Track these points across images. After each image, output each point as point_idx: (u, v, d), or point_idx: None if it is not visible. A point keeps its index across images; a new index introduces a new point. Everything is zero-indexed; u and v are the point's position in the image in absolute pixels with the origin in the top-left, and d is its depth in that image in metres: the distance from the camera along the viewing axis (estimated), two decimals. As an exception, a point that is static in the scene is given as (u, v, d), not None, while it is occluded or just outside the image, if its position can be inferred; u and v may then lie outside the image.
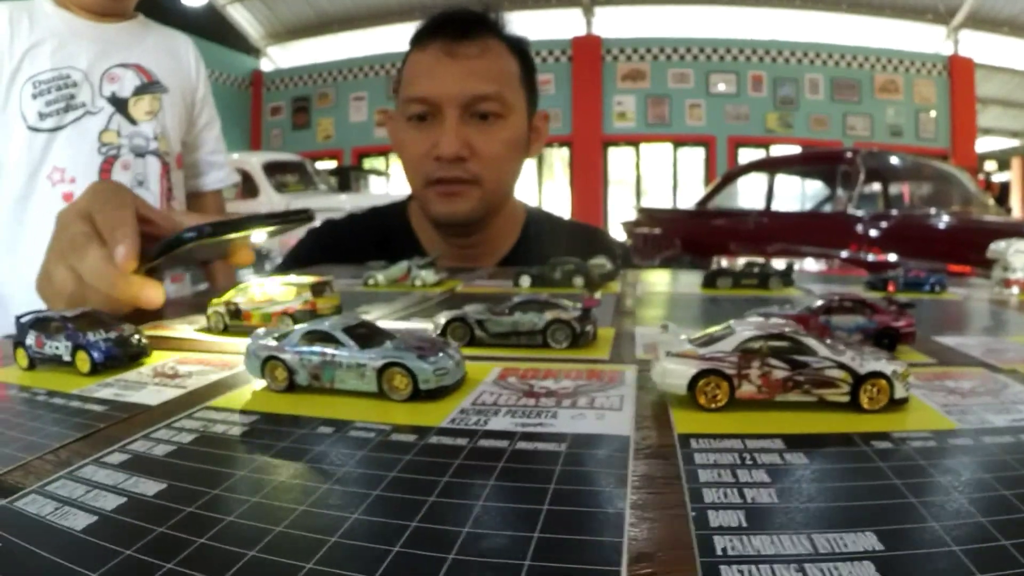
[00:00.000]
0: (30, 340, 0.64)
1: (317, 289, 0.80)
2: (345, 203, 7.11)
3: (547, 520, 0.33)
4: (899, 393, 0.48)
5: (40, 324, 0.65)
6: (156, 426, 0.47)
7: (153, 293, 0.81)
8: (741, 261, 1.38)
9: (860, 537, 0.30)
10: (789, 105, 12.63)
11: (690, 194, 10.58)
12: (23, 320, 0.67)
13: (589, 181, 12.57)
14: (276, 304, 0.78)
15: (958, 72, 12.69)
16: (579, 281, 1.19)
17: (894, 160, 5.95)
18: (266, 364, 0.55)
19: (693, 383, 0.49)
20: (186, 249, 0.82)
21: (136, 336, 0.67)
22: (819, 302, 0.71)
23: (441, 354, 0.54)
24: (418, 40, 1.55)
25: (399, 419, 0.48)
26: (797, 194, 7.02)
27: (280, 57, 14.52)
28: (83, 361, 0.62)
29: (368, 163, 13.57)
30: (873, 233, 4.98)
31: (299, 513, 0.34)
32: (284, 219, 0.87)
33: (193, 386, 0.58)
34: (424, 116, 1.50)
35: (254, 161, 8.16)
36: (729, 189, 6.75)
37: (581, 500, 0.35)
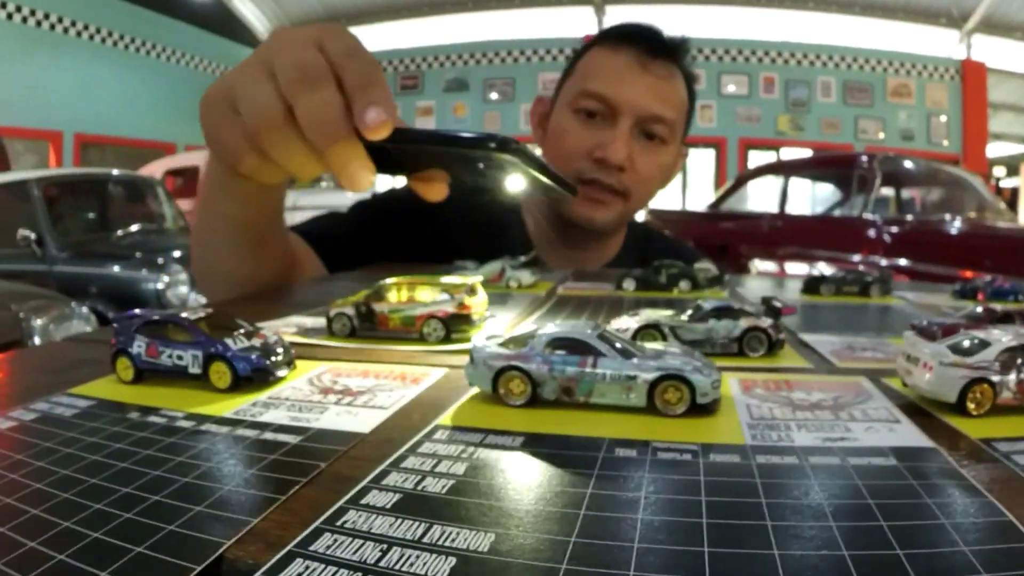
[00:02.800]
0: (138, 347, 0.54)
1: (471, 290, 0.72)
2: (350, 200, 6.94)
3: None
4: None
5: (153, 327, 0.55)
6: (395, 455, 0.40)
7: (368, 174, 0.61)
8: (821, 267, 1.31)
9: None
10: (801, 107, 12.59)
11: (700, 196, 10.50)
12: (127, 321, 0.56)
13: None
14: (421, 307, 0.70)
15: (970, 76, 12.66)
16: (685, 285, 1.16)
17: (910, 165, 5.98)
18: (500, 376, 0.48)
19: (964, 391, 0.48)
20: (452, 156, 0.60)
21: (280, 344, 0.57)
22: (978, 309, 0.78)
23: (711, 367, 0.49)
24: (609, 39, 1.53)
25: (692, 437, 0.43)
26: (811, 197, 6.97)
27: (286, 51, 14.37)
28: (221, 374, 0.53)
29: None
30: (888, 238, 4.97)
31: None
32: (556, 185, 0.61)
33: (391, 404, 0.50)
34: (594, 114, 1.48)
35: (261, 156, 7.99)
36: (742, 192, 6.72)
37: (967, 510, 0.33)
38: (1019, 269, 3.71)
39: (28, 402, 0.50)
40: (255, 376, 0.53)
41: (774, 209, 6.21)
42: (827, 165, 6.81)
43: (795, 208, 6.37)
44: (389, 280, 0.73)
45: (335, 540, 0.30)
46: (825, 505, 0.33)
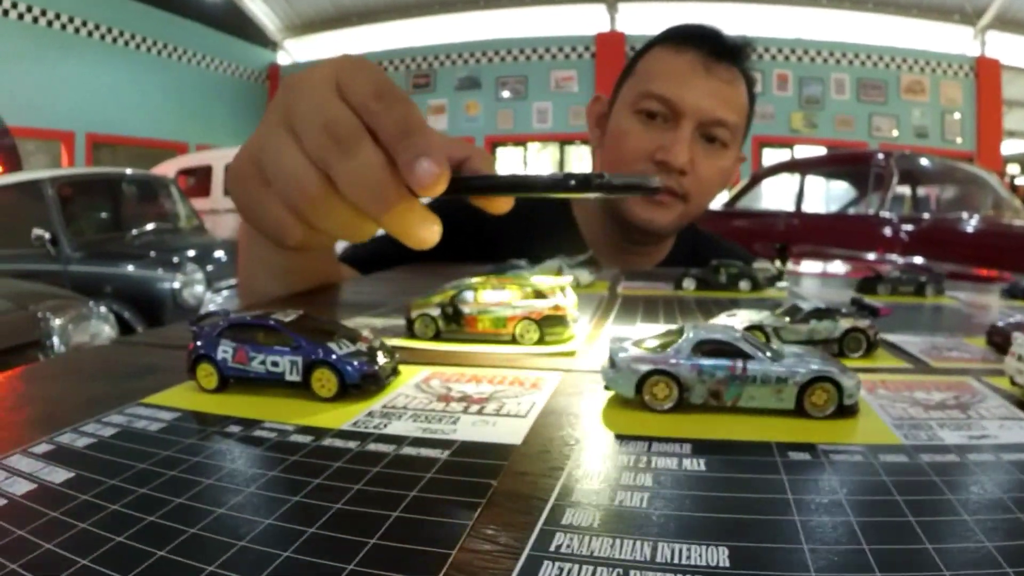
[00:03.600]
0: (224, 352, 0.49)
1: (563, 291, 0.68)
2: None
3: None
4: None
5: (240, 331, 0.50)
6: (567, 468, 0.37)
7: (433, 229, 0.55)
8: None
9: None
10: (814, 105, 12.61)
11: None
12: (212, 324, 0.51)
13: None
14: (513, 308, 0.66)
15: (984, 73, 12.66)
16: (744, 285, 1.14)
17: (926, 163, 5.91)
18: (645, 380, 0.46)
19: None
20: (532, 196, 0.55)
21: (383, 348, 0.52)
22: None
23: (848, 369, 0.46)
24: (672, 40, 1.50)
25: (848, 438, 0.42)
26: (827, 196, 6.98)
27: (298, 51, 14.48)
28: (325, 382, 0.48)
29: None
30: (905, 236, 4.98)
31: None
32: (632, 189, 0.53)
33: (527, 412, 0.46)
34: (655, 115, 1.45)
35: (274, 155, 7.96)
36: (757, 190, 6.68)
37: None
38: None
39: (98, 414, 0.45)
40: (363, 384, 0.48)
41: (789, 207, 6.18)
42: (843, 163, 6.79)
43: (811, 206, 6.33)
44: (475, 280, 0.69)
45: (560, 570, 0.27)
46: (1007, 498, 0.33)
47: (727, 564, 0.27)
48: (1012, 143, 13.52)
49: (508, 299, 0.66)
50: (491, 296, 0.67)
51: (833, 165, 6.93)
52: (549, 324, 0.65)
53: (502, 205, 0.56)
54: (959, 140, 12.61)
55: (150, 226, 5.36)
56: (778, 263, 1.25)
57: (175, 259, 4.59)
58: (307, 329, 0.50)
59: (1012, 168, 13.34)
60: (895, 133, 12.47)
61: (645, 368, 0.46)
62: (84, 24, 10.78)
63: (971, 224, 5.02)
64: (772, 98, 12.45)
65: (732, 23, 1.54)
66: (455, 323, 0.67)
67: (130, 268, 4.57)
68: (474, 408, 0.46)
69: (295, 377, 0.48)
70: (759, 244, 5.74)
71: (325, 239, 0.66)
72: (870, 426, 0.44)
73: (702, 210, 1.57)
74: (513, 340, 0.66)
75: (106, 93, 10.95)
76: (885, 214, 5.11)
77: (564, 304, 0.66)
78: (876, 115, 12.57)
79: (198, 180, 8.19)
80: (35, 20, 10.07)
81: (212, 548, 0.28)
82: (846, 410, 0.45)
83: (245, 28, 13.43)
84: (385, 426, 0.43)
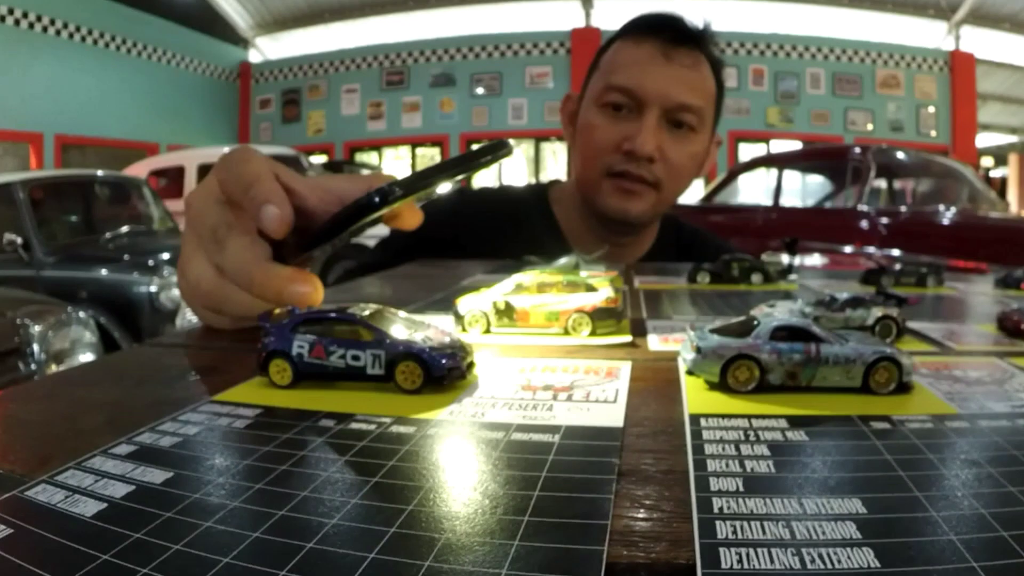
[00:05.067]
0: (300, 347, 0.49)
1: (613, 283, 0.72)
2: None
3: None
4: None
5: (314, 326, 0.50)
6: (692, 445, 0.39)
7: (311, 289, 0.57)
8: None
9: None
10: (790, 100, 12.71)
11: (690, 189, 10.51)
12: (289, 319, 0.51)
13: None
14: (566, 301, 0.68)
15: (959, 68, 12.84)
16: (756, 278, 1.18)
17: (903, 156, 6.06)
18: (730, 365, 0.49)
19: None
20: (368, 221, 0.57)
21: (459, 342, 0.52)
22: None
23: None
24: (631, 32, 1.54)
25: (914, 410, 0.46)
26: (804, 190, 7.02)
27: (269, 48, 14.40)
28: (410, 375, 0.48)
29: (361, 157, 13.36)
30: (883, 229, 5.05)
31: None
32: (485, 156, 0.57)
33: (615, 399, 0.48)
34: (620, 107, 1.49)
35: (248, 155, 7.85)
36: (733, 185, 6.75)
37: None
38: (1013, 259, 3.73)
39: (171, 413, 0.44)
40: (447, 377, 0.48)
41: (766, 202, 6.26)
42: (821, 157, 6.89)
43: (788, 200, 6.42)
44: (526, 276, 0.72)
45: (733, 528, 0.29)
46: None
47: (864, 511, 0.30)
48: (986, 136, 13.69)
49: (561, 293, 0.69)
50: (543, 290, 0.69)
51: (811, 160, 7.02)
52: (601, 316, 0.68)
53: (409, 221, 0.62)
54: (933, 133, 12.77)
55: (124, 229, 5.27)
56: (776, 257, 1.31)
57: (151, 262, 4.48)
58: (385, 323, 0.51)
59: (986, 161, 13.49)
60: (870, 127, 12.61)
61: (731, 353, 0.50)
62: (52, 23, 10.60)
63: (948, 216, 5.12)
64: (748, 93, 12.55)
65: (706, 18, 1.55)
66: (507, 317, 0.69)
67: (106, 272, 4.47)
68: (562, 396, 0.48)
69: (377, 371, 0.49)
70: (737, 239, 5.75)
71: (250, 317, 0.69)
72: (926, 400, 0.48)
73: (676, 196, 1.60)
74: (565, 333, 0.68)
75: (75, 93, 10.79)
76: (863, 207, 5.19)
77: (614, 297, 0.68)
78: (851, 109, 12.70)
79: (170, 181, 8.08)
80: (2, 19, 9.89)
81: (364, 537, 0.28)
82: (903, 387, 0.49)
83: (216, 25, 13.30)
84: (483, 415, 0.44)
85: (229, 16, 13.51)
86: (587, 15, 12.78)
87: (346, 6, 13.33)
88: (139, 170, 7.88)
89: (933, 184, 6.07)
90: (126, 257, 4.61)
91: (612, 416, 0.44)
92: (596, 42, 12.54)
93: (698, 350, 0.51)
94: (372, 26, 13.38)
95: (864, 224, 5.07)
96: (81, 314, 3.06)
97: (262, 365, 0.50)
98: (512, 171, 13.16)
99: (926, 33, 12.83)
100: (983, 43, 12.81)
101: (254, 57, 14.38)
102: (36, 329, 2.73)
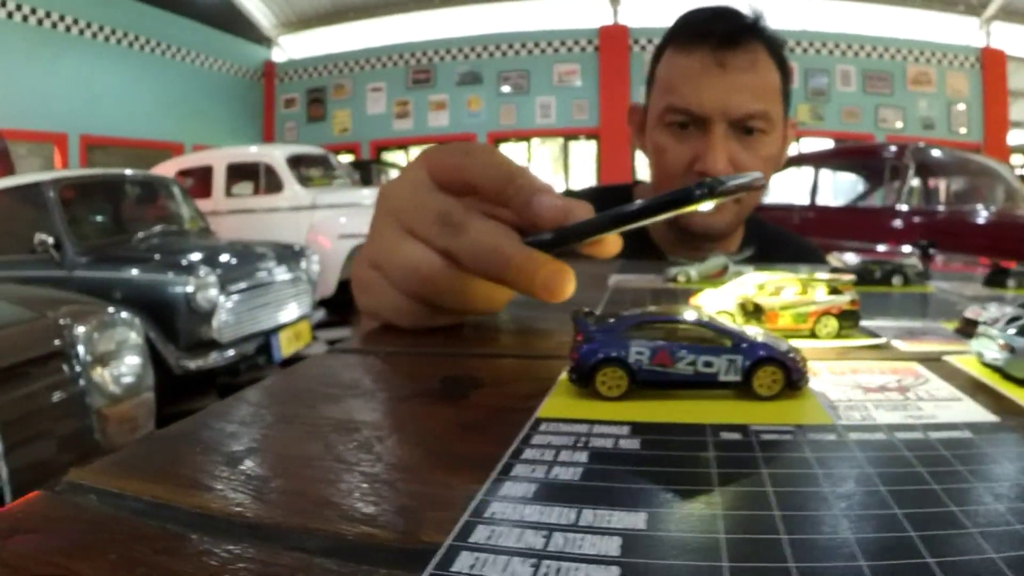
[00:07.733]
0: (639, 353, 0.43)
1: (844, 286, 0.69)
2: (367, 198, 7.14)
3: None
4: None
5: (649, 330, 0.44)
6: None
7: (569, 278, 0.52)
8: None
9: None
10: (820, 97, 12.66)
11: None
12: (616, 321, 0.45)
13: (617, 175, 12.36)
14: (816, 303, 0.66)
15: (990, 64, 12.79)
16: (898, 280, 1.15)
17: (940, 155, 6.14)
18: None
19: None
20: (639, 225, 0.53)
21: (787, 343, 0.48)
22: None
23: None
24: (678, 40, 1.44)
25: None
26: (840, 188, 7.12)
27: (293, 47, 14.45)
28: (771, 382, 0.44)
29: (387, 157, 13.33)
30: (921, 228, 5.09)
31: None
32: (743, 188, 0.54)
33: (950, 397, 0.44)
34: (686, 125, 1.42)
35: (277, 154, 7.84)
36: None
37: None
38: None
39: (513, 436, 0.38)
40: (801, 381, 0.44)
41: (802, 200, 6.34)
42: (857, 156, 7.00)
43: (823, 199, 6.52)
44: (768, 277, 0.69)
45: None
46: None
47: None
48: (1018, 133, 13.55)
49: (808, 294, 0.67)
50: (790, 292, 0.67)
51: (847, 158, 7.13)
52: (846, 318, 0.66)
53: (611, 248, 0.57)
54: (964, 131, 12.72)
55: (157, 228, 5.23)
56: (912, 260, 1.23)
57: (185, 262, 4.44)
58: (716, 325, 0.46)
59: (1016, 159, 13.36)
60: (900, 124, 12.57)
61: None
62: (75, 23, 10.61)
63: (988, 215, 5.19)
64: (778, 90, 12.41)
65: (754, 7, 1.43)
66: (755, 318, 0.66)
67: (141, 272, 4.42)
68: (911, 395, 0.45)
69: (733, 377, 0.44)
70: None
71: (454, 318, 0.68)
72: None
73: (758, 200, 1.60)
74: (812, 335, 0.66)
75: (99, 93, 10.80)
76: (901, 206, 5.28)
77: (857, 299, 0.67)
78: (882, 107, 12.64)
79: (198, 181, 8.02)
80: (25, 19, 9.91)
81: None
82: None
83: (239, 25, 13.32)
84: (874, 419, 0.40)
85: (253, 15, 13.52)
86: (615, 12, 12.74)
87: (371, 4, 13.35)
88: (167, 169, 7.85)
89: (969, 182, 6.12)
90: (158, 257, 4.57)
91: (974, 412, 0.41)
92: (624, 40, 12.56)
93: (1011, 349, 0.49)
94: (397, 24, 13.39)
95: (902, 223, 5.14)
96: (124, 314, 2.98)
97: (585, 374, 0.44)
98: (537, 170, 13.13)
99: (956, 29, 12.74)
100: (1014, 39, 12.72)
101: (278, 56, 14.42)
102: (80, 330, 2.64)
